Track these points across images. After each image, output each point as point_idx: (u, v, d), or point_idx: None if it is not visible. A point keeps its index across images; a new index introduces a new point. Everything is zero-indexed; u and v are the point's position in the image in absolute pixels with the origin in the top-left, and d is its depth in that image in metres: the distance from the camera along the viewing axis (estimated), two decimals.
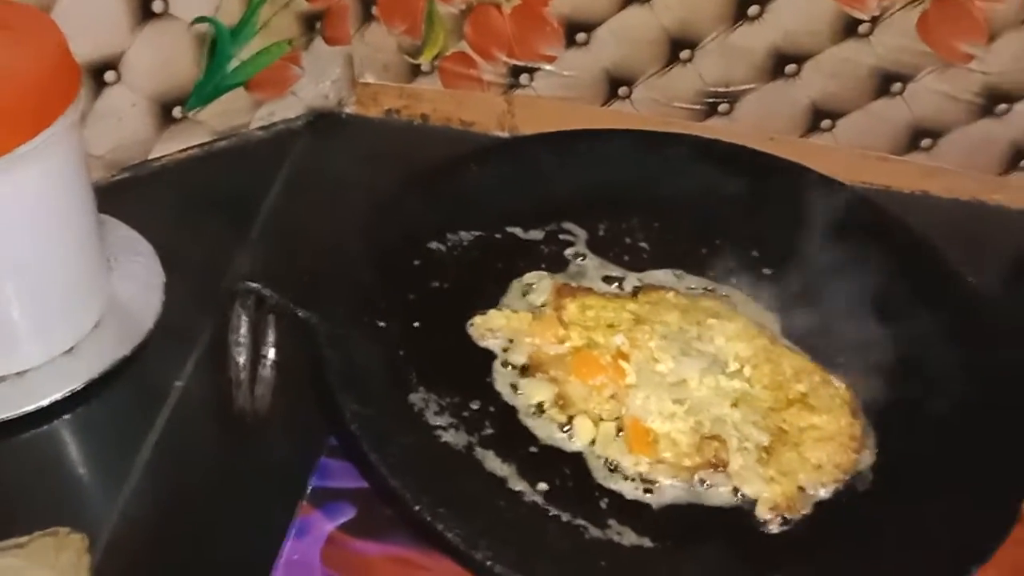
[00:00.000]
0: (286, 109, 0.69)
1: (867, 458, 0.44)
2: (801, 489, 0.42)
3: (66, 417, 0.51)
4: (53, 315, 0.52)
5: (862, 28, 0.63)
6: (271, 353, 0.46)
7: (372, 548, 0.46)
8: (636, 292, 0.50)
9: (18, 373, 0.51)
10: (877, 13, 0.62)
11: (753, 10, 0.63)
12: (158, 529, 0.46)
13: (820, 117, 0.67)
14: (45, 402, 0.50)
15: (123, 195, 0.63)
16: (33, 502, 0.47)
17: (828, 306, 0.49)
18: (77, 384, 0.51)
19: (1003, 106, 0.65)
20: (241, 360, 0.41)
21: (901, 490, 0.42)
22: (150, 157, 0.65)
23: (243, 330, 0.41)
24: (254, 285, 0.42)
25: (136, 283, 0.57)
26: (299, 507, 0.47)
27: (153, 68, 0.62)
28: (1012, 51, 0.62)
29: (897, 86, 0.65)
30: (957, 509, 0.40)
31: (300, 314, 0.42)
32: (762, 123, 0.68)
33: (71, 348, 0.52)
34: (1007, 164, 0.68)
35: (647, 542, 0.40)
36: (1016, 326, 0.50)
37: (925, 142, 0.67)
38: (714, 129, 0.67)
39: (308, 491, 0.48)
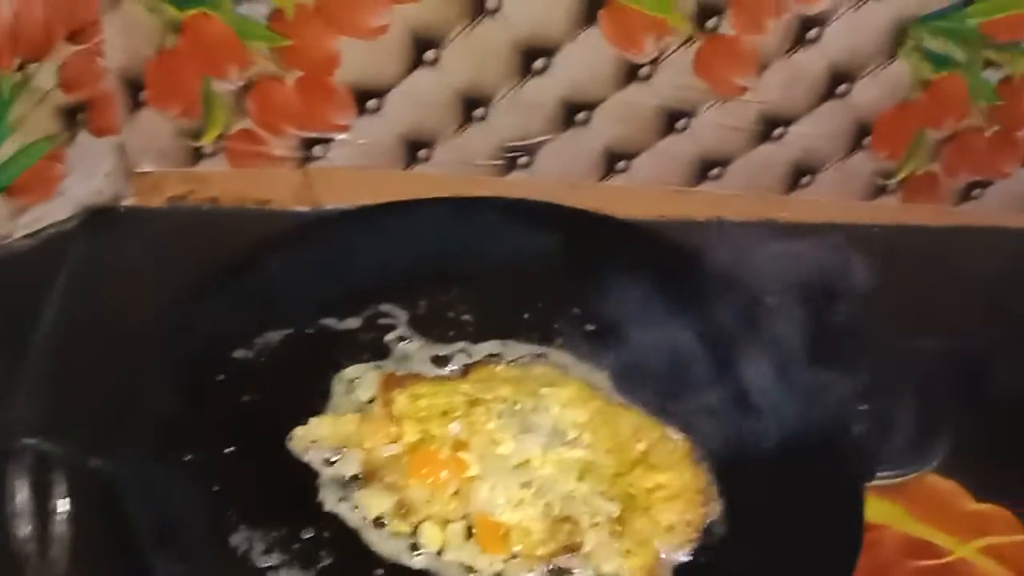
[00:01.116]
0: (55, 211, 0.62)
1: (715, 508, 0.43)
2: (658, 557, 0.40)
3: None
4: None
5: (642, 71, 0.64)
6: (61, 506, 0.39)
7: None
8: (467, 370, 0.47)
9: None
10: (655, 55, 0.63)
11: (538, 64, 0.63)
12: None
13: (615, 159, 0.68)
14: None
15: None
16: None
17: (652, 352, 0.48)
18: None
19: (780, 130, 0.68)
20: (25, 532, 0.34)
21: (750, 534, 0.41)
22: None
23: (22, 496, 0.35)
24: (31, 441, 0.35)
25: None
26: None
27: None
28: (780, 79, 0.66)
29: (682, 122, 0.67)
30: (808, 542, 0.39)
31: (92, 465, 0.36)
32: (562, 172, 0.68)
33: None
34: (790, 183, 0.71)
35: None
36: (828, 345, 0.51)
37: (714, 172, 0.69)
38: (516, 182, 0.67)
39: None
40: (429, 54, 0.62)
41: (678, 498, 0.42)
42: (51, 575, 0.38)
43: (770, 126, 0.67)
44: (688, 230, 0.67)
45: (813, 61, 0.64)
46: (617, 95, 0.65)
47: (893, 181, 0.71)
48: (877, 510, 0.52)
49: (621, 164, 0.68)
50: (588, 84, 0.64)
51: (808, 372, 0.48)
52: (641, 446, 0.44)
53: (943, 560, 0.51)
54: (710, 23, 0.62)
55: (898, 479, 0.54)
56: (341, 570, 0.38)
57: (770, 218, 0.71)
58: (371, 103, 0.63)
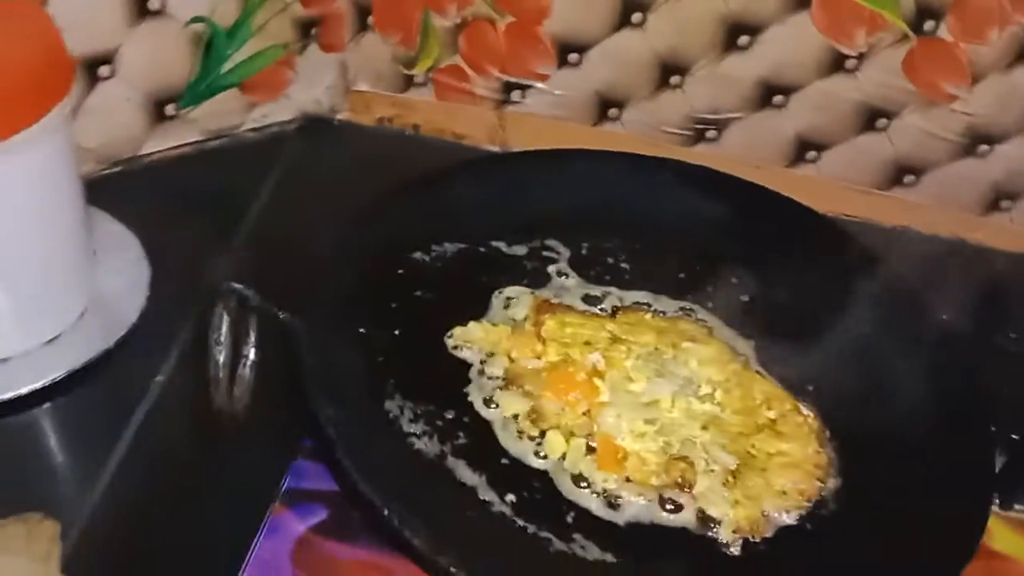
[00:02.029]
0: (279, 112, 0.70)
1: (831, 486, 0.45)
2: (764, 514, 0.43)
3: (45, 406, 0.52)
4: (37, 305, 0.52)
5: (849, 63, 0.64)
6: (252, 354, 0.47)
7: (342, 551, 0.47)
8: (615, 312, 0.52)
9: (0, 361, 0.52)
10: (864, 50, 0.64)
11: (743, 40, 0.65)
12: (130, 521, 0.47)
13: (805, 148, 0.69)
14: (24, 390, 0.51)
15: (112, 189, 0.64)
16: (7, 489, 0.48)
17: (803, 335, 0.51)
18: (57, 374, 0.52)
19: (984, 147, 0.66)
20: (220, 359, 0.42)
21: (862, 519, 0.43)
22: (141, 153, 0.66)
23: (223, 330, 0.42)
24: (237, 286, 0.43)
25: (121, 277, 0.57)
26: (272, 506, 0.48)
27: (147, 65, 0.63)
28: (994, 93, 0.64)
29: (882, 122, 0.67)
30: (917, 540, 0.41)
31: (282, 317, 0.43)
32: (748, 151, 0.69)
33: (53, 338, 0.53)
34: (988, 204, 0.69)
35: (610, 557, 0.41)
36: (986, 363, 0.52)
37: (908, 178, 0.69)
38: (701, 155, 0.69)
39: (282, 491, 0.49)
40: (636, 16, 0.65)
41: (796, 468, 0.45)
42: (234, 409, 0.46)
43: (976, 140, 0.66)
44: (871, 232, 0.66)
45: None
46: (818, 83, 0.65)
47: None
48: (1011, 542, 0.52)
49: (811, 154, 0.69)
50: (790, 67, 0.65)
51: (960, 386, 0.49)
52: (771, 414, 0.47)
53: None
54: (927, 25, 0.62)
55: None
56: (472, 451, 0.44)
57: (960, 236, 0.70)
58: (572, 56, 0.67)
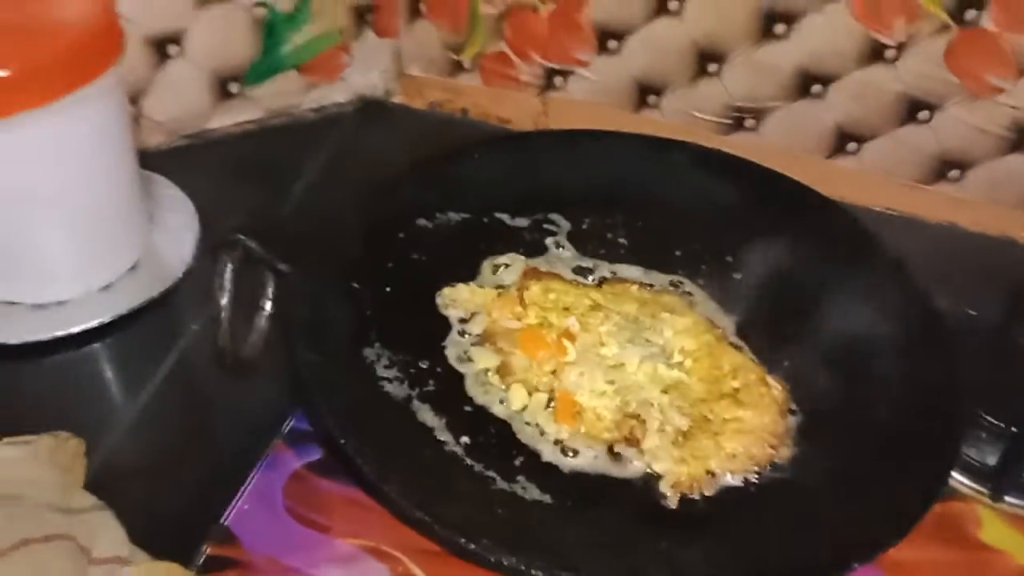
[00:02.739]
0: (336, 94, 0.76)
1: (785, 453, 0.47)
2: (711, 473, 0.46)
3: (95, 345, 0.60)
4: (93, 253, 0.60)
5: (888, 53, 0.65)
6: (268, 306, 0.53)
7: (330, 487, 0.52)
8: (602, 283, 0.55)
9: (58, 302, 0.60)
10: (903, 39, 0.64)
11: (780, 28, 0.66)
12: (150, 448, 0.54)
13: (846, 140, 0.69)
14: (76, 330, 0.59)
15: (178, 159, 0.72)
16: (51, 413, 0.55)
17: (787, 313, 0.52)
18: (107, 317, 0.59)
19: None
20: (223, 302, 0.48)
21: (807, 488, 0.45)
22: (207, 127, 0.74)
23: (226, 275, 0.48)
24: (241, 237, 0.48)
25: (173, 236, 0.65)
26: (273, 444, 0.53)
27: (213, 45, 0.70)
28: None
29: (924, 114, 0.66)
30: (856, 508, 0.42)
31: (280, 267, 0.49)
32: (788, 141, 0.70)
33: (108, 286, 0.61)
34: None
35: (548, 499, 0.44)
36: (999, 358, 0.52)
37: (953, 173, 0.68)
38: (740, 144, 0.70)
39: (285, 431, 0.54)
40: (673, 4, 0.67)
41: (750, 434, 0.47)
42: (242, 352, 0.52)
43: (1023, 135, 0.65)
44: (917, 228, 0.66)
45: None
46: (857, 73, 0.66)
47: None
48: (1001, 535, 0.52)
49: (851, 145, 0.69)
50: (828, 57, 0.66)
51: (937, 369, 0.49)
52: (735, 383, 0.49)
53: None
54: (969, 15, 0.62)
55: None
56: (438, 397, 0.48)
57: (1009, 235, 0.69)
58: (612, 43, 0.70)
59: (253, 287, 0.53)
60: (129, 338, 0.60)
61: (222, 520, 0.50)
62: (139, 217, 0.63)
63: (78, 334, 0.59)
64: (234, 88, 0.73)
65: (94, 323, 0.59)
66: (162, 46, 0.69)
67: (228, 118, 0.74)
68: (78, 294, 0.60)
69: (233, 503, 0.51)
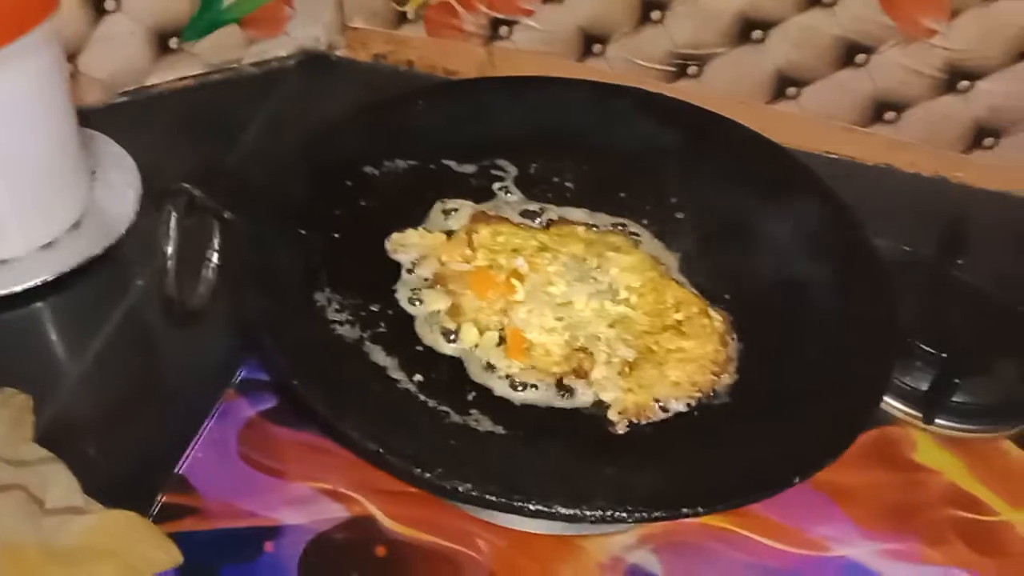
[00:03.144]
0: (278, 48, 0.76)
1: (726, 379, 0.49)
2: (656, 401, 0.48)
3: (39, 304, 0.60)
4: (34, 210, 0.60)
5: None
6: (214, 257, 0.53)
7: (285, 433, 0.53)
8: (549, 225, 0.56)
9: (1, 261, 0.60)
10: None
11: None
12: (100, 402, 0.54)
13: (786, 84, 0.71)
14: (19, 288, 0.59)
15: (118, 117, 0.71)
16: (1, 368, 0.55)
17: (727, 249, 0.54)
18: (51, 274, 0.59)
19: (965, 83, 0.68)
20: (168, 251, 0.48)
21: (749, 411, 0.47)
22: (147, 83, 0.73)
23: (171, 224, 0.48)
24: (186, 186, 0.49)
25: (116, 192, 0.65)
26: (224, 393, 0.54)
27: None
28: (975, 28, 0.65)
29: (861, 57, 0.68)
30: (794, 430, 0.44)
31: (226, 216, 0.49)
32: (729, 87, 0.72)
33: (50, 243, 0.61)
34: (970, 142, 0.70)
35: (500, 430, 0.46)
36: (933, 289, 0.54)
37: (889, 115, 0.70)
38: (683, 91, 0.72)
39: (237, 381, 0.55)
40: None
41: (693, 362, 0.49)
42: (190, 303, 0.52)
43: (956, 76, 0.67)
44: (855, 170, 0.69)
45: (1014, 14, 0.63)
46: (797, 18, 0.68)
47: None
48: (934, 456, 0.55)
49: (792, 90, 0.71)
50: (768, 2, 0.68)
51: (869, 295, 0.51)
52: (678, 315, 0.51)
53: (986, 518, 0.53)
54: None
55: (967, 434, 0.56)
56: (390, 339, 0.49)
57: (942, 175, 0.72)
58: None
59: (200, 238, 0.54)
60: (74, 295, 0.60)
61: (176, 469, 0.50)
62: (80, 174, 0.63)
63: (22, 292, 0.59)
64: (173, 43, 0.72)
65: (38, 281, 0.59)
66: (99, 0, 0.68)
67: (168, 74, 0.74)
68: (21, 252, 0.60)
69: (187, 452, 0.51)
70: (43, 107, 0.58)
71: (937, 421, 0.54)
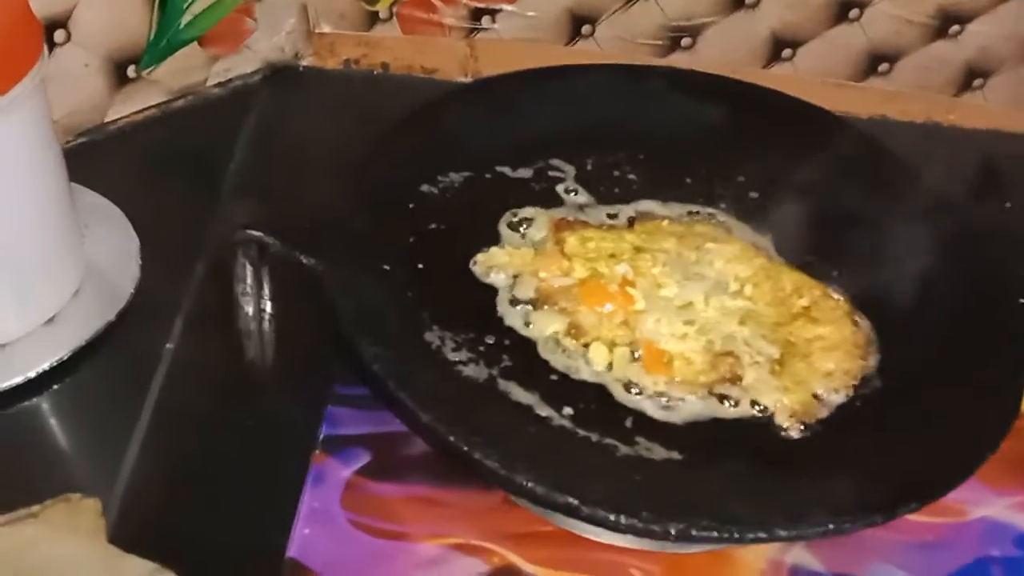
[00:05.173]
0: (242, 64, 0.68)
1: (872, 362, 0.46)
2: (816, 396, 0.45)
3: (55, 387, 0.50)
4: (30, 284, 0.51)
5: None
6: (269, 307, 0.46)
7: (391, 490, 0.47)
8: (631, 223, 0.52)
9: None
10: None
11: None
12: (169, 490, 0.47)
13: (781, 47, 0.70)
14: (31, 374, 0.49)
15: (84, 160, 0.61)
16: (33, 475, 0.46)
17: (816, 223, 0.52)
18: (63, 353, 0.50)
19: (956, 27, 0.68)
20: (249, 310, 0.41)
21: (907, 387, 0.45)
22: (107, 120, 0.64)
23: (249, 279, 0.41)
24: (256, 233, 0.42)
25: (111, 249, 0.56)
26: (312, 456, 0.47)
27: (104, 25, 0.60)
28: None
29: (854, 12, 0.68)
30: (960, 402, 0.42)
31: (304, 261, 0.42)
32: (724, 55, 0.70)
33: (52, 318, 0.52)
34: (960, 85, 0.71)
35: (676, 455, 0.42)
36: (994, 232, 0.54)
37: (883, 67, 0.70)
38: (677, 63, 0.69)
39: (320, 440, 0.48)
40: None
41: (837, 349, 0.46)
42: (265, 357, 0.45)
43: (947, 22, 0.68)
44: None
45: None
46: None
47: None
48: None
49: (787, 52, 0.70)
50: None
51: (974, 255, 0.50)
52: (803, 301, 0.48)
53: None
54: None
55: None
56: (520, 371, 0.44)
57: (935, 120, 0.72)
58: None
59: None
60: (96, 373, 0.52)
61: (287, 553, 0.44)
62: (75, 234, 0.54)
63: (34, 379, 0.50)
64: (131, 72, 0.63)
65: (48, 363, 0.50)
66: (47, 32, 0.58)
67: (128, 107, 0.65)
68: (20, 333, 0.51)
69: (292, 531, 0.45)
70: (37, 168, 0.49)
71: None
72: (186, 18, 0.64)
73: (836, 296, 0.49)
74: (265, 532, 0.44)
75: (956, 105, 0.72)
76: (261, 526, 0.44)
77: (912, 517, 0.47)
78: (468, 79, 0.71)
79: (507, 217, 0.51)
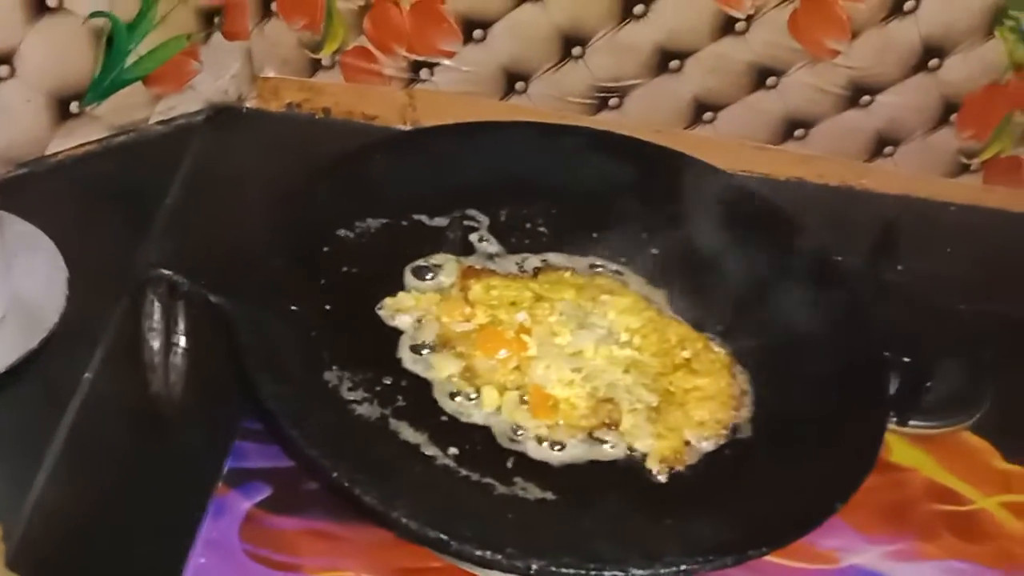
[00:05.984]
0: (186, 104, 0.71)
1: (745, 413, 0.49)
2: (687, 443, 0.48)
3: None
4: None
5: (738, 26, 0.69)
6: (182, 342, 0.48)
7: (290, 523, 0.49)
8: (536, 273, 0.55)
9: None
10: (752, 12, 0.68)
11: (639, 9, 0.68)
12: (73, 518, 0.48)
13: (702, 110, 0.73)
14: None
15: (20, 191, 0.64)
16: None
17: (708, 280, 0.55)
18: None
19: (867, 98, 0.72)
20: (156, 345, 0.43)
21: (774, 438, 0.48)
22: (47, 153, 0.66)
23: (156, 316, 0.44)
24: (166, 272, 0.44)
25: (38, 279, 0.58)
26: (215, 489, 0.49)
27: (48, 63, 0.63)
28: (873, 47, 0.70)
29: (772, 80, 0.71)
30: (824, 454, 0.45)
31: (213, 299, 0.45)
32: (649, 116, 0.73)
33: None
34: (872, 151, 0.75)
35: (550, 495, 0.44)
36: (878, 294, 0.57)
37: (798, 132, 0.74)
38: (605, 122, 0.72)
39: (224, 473, 0.50)
40: None
41: (712, 400, 0.49)
42: (170, 397, 0.47)
43: (858, 92, 0.71)
44: (767, 185, 0.72)
45: (907, 31, 0.68)
46: (711, 47, 0.70)
47: (976, 161, 0.74)
48: (907, 455, 0.57)
49: (708, 115, 0.73)
50: (684, 33, 0.69)
51: (853, 319, 0.54)
52: (685, 353, 0.51)
53: (964, 508, 0.56)
54: None
55: (933, 431, 0.59)
56: (412, 412, 0.46)
57: (848, 184, 0.76)
58: (477, 32, 0.70)
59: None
60: (13, 400, 0.54)
61: None
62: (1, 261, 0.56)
63: None
64: (74, 107, 0.66)
65: None
66: None
67: (69, 140, 0.67)
68: None
69: (188, 560, 0.47)
70: None
71: (910, 423, 0.56)
72: (131, 58, 0.67)
73: (717, 349, 0.52)
74: (161, 562, 0.46)
75: (868, 170, 0.75)
76: (156, 555, 0.46)
77: (786, 563, 0.49)
78: (407, 127, 0.73)
79: (414, 263, 0.54)
